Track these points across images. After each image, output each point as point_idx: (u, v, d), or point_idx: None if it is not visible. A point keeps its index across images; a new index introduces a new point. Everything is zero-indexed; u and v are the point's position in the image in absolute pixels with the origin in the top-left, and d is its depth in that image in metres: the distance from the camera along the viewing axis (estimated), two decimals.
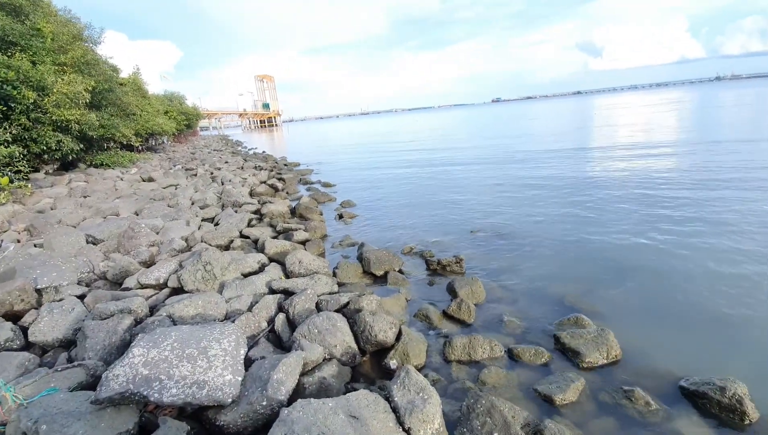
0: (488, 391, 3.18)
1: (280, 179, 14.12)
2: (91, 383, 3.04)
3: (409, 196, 10.96)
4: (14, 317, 3.99)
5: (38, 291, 4.42)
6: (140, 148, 24.93)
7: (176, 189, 11.60)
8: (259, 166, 18.02)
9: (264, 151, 29.08)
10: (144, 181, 13.39)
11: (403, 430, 2.51)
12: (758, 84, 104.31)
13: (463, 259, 5.68)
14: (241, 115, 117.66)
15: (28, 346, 3.68)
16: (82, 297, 4.45)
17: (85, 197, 9.99)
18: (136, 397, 2.54)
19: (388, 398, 2.75)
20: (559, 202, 8.73)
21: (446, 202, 9.89)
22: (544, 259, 5.83)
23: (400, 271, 5.67)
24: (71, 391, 2.89)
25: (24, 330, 3.79)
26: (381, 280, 5.50)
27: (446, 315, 4.43)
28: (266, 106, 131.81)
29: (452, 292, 4.84)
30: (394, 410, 2.63)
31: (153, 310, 4.18)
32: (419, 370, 3.55)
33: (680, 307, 4.30)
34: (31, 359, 3.33)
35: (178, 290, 4.64)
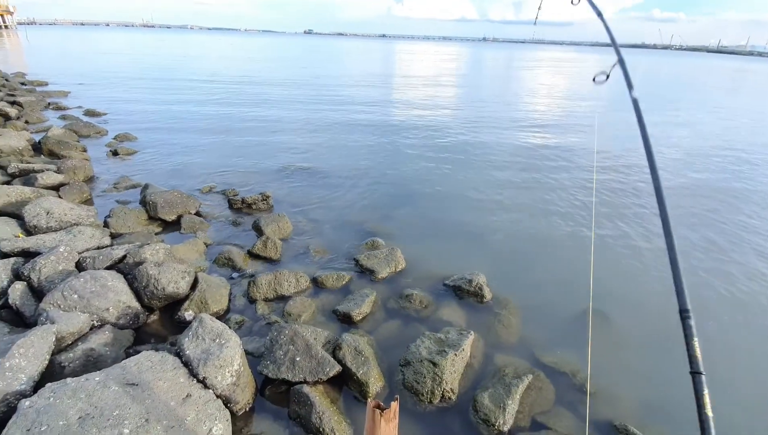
0: (293, 322, 3.26)
1: (13, 103, 10.13)
2: None
3: (209, 129, 9.61)
4: None
5: None
6: None
7: None
8: None
9: None
10: None
11: (198, 381, 2.32)
12: (510, 47, 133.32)
13: (270, 196, 5.46)
14: None
15: None
16: None
17: None
18: None
19: (179, 353, 2.46)
20: (363, 142, 9.26)
21: (253, 135, 9.16)
22: (348, 192, 6.19)
23: (198, 214, 5.03)
24: None
25: None
26: (173, 225, 4.76)
27: (252, 254, 4.23)
28: None
29: (258, 230, 4.63)
30: (186, 364, 2.39)
31: None
32: (221, 316, 3.33)
33: (447, 224, 5.32)
34: None
35: None
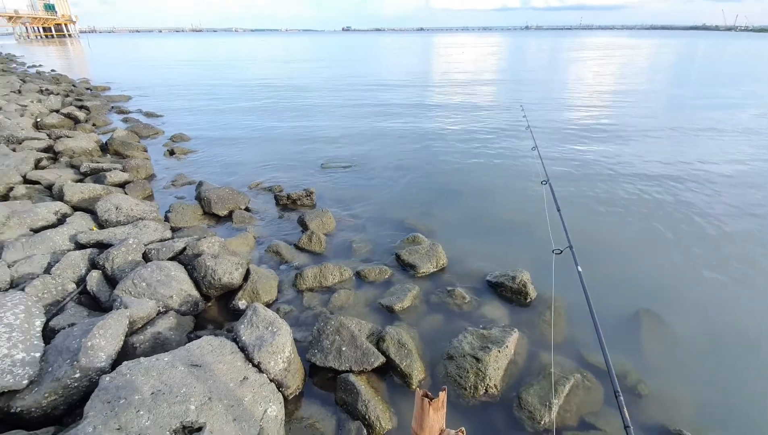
0: (338, 313, 3.38)
1: (81, 107, 11.12)
2: None
3: (255, 129, 10.05)
4: None
5: None
6: None
7: None
8: (46, 90, 13.73)
9: (54, 70, 22.15)
10: None
11: (253, 365, 2.49)
12: (554, 35, 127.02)
13: (313, 192, 5.64)
14: (11, 18, 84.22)
15: None
16: None
17: None
18: None
19: (236, 339, 2.65)
20: (402, 139, 9.29)
21: (296, 135, 9.46)
22: (388, 188, 6.26)
23: (247, 209, 5.30)
24: None
25: None
26: (225, 220, 5.06)
27: (298, 248, 4.42)
28: (50, 7, 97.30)
29: (303, 225, 4.81)
30: (243, 349, 2.56)
31: None
32: (271, 305, 3.51)
33: (489, 221, 5.25)
34: None
35: None
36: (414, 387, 2.70)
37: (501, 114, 11.30)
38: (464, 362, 2.78)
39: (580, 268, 2.18)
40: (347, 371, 2.70)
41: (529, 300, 3.64)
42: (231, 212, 5.12)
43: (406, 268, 4.10)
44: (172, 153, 7.74)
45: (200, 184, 5.68)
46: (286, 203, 5.54)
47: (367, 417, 2.40)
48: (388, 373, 2.83)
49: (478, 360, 2.76)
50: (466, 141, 8.87)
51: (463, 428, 1.42)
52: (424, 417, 1.46)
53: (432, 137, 9.13)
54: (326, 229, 4.81)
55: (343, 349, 2.80)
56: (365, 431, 2.31)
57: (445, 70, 24.04)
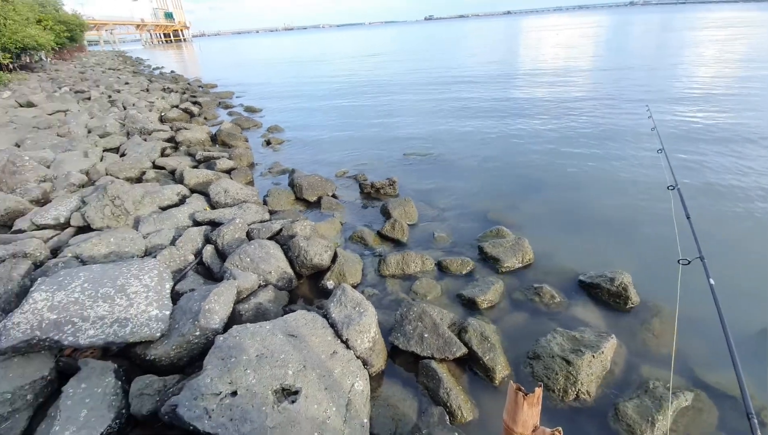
0: (420, 300, 3.43)
1: (195, 103, 12.63)
2: None
3: (341, 120, 10.51)
4: None
5: None
6: (11, 66, 20.36)
7: (66, 115, 9.85)
8: (168, 89, 15.85)
9: (173, 71, 25.46)
10: (21, 106, 11.15)
11: (342, 341, 2.64)
12: (666, 10, 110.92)
13: (396, 181, 5.74)
14: (138, 26, 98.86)
15: None
16: None
17: None
18: (47, 343, 2.33)
19: (326, 315, 2.83)
20: (489, 129, 8.96)
21: (379, 125, 9.66)
22: (471, 179, 6.10)
23: (334, 196, 5.59)
24: None
25: None
26: (314, 205, 5.41)
27: (381, 235, 4.55)
28: (169, 15, 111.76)
29: (386, 213, 4.93)
30: (332, 325, 2.74)
31: (56, 251, 3.73)
32: (355, 287, 3.68)
33: (581, 215, 4.84)
34: None
35: (85, 229, 4.15)
36: (497, 382, 2.64)
37: (613, 109, 10.21)
38: (553, 363, 2.64)
39: (712, 281, 1.93)
40: (429, 357, 2.73)
41: (629, 305, 3.31)
42: (320, 198, 5.44)
43: (489, 261, 3.99)
44: (268, 143, 8.45)
45: (292, 171, 6.12)
46: (369, 192, 5.72)
47: (448, 404, 2.42)
48: (470, 364, 2.80)
49: (568, 363, 2.60)
50: (563, 137, 8.07)
51: (560, 428, 1.36)
52: (517, 410, 1.43)
53: (522, 131, 8.61)
54: (409, 218, 4.87)
55: (425, 335, 2.83)
56: (448, 417, 2.33)
57: (537, 58, 22.48)
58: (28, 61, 25.40)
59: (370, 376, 2.64)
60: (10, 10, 19.28)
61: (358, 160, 7.21)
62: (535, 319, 3.27)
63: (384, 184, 5.70)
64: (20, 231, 4.15)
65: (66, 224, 4.25)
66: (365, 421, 2.24)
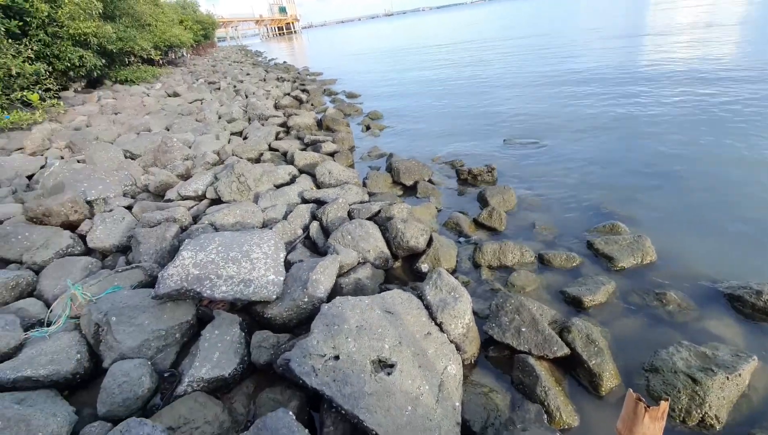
0: (517, 293, 3.29)
1: (303, 90, 13.62)
2: (149, 282, 3.36)
3: (438, 104, 10.38)
4: (71, 227, 4.32)
5: (89, 203, 4.72)
6: (161, 62, 24.30)
7: (202, 103, 11.47)
8: (281, 78, 17.34)
9: (285, 62, 27.74)
10: (169, 96, 13.28)
11: (436, 324, 2.68)
12: None
13: (495, 168, 5.51)
14: (257, 22, 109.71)
15: (88, 252, 4.04)
16: (129, 208, 4.73)
17: (116, 114, 10.09)
18: (191, 293, 2.80)
19: (421, 297, 2.89)
20: (604, 111, 8.01)
21: (478, 109, 9.32)
22: (581, 168, 5.56)
23: (430, 181, 5.60)
24: (133, 289, 3.23)
25: (82, 238, 4.13)
26: (411, 189, 5.48)
27: (477, 223, 4.44)
28: (282, 9, 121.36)
29: (483, 200, 4.79)
30: (427, 307, 2.78)
31: (196, 219, 4.42)
32: (450, 273, 3.67)
33: (720, 215, 4.09)
34: (94, 262, 3.69)
35: (216, 201, 4.83)
36: (603, 390, 2.43)
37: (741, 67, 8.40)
38: (675, 380, 2.33)
39: None
40: (525, 353, 2.62)
41: None
42: (416, 183, 5.49)
43: (599, 258, 3.63)
44: (368, 128, 8.76)
45: (390, 155, 6.27)
46: (466, 178, 5.59)
47: (546, 404, 2.30)
48: (572, 367, 2.61)
49: (695, 381, 2.27)
50: (702, 116, 6.94)
51: None
52: (636, 423, 1.30)
53: (643, 106, 7.54)
54: (507, 206, 4.66)
55: (523, 329, 2.72)
56: (546, 417, 2.23)
57: (668, 22, 19.20)
58: (173, 57, 30.01)
59: (462, 362, 2.64)
60: (160, 14, 22.87)
61: (455, 145, 7.08)
62: (653, 327, 2.91)
63: (482, 170, 5.52)
64: (170, 200, 5.01)
65: (203, 196, 4.99)
66: (457, 404, 2.26)
